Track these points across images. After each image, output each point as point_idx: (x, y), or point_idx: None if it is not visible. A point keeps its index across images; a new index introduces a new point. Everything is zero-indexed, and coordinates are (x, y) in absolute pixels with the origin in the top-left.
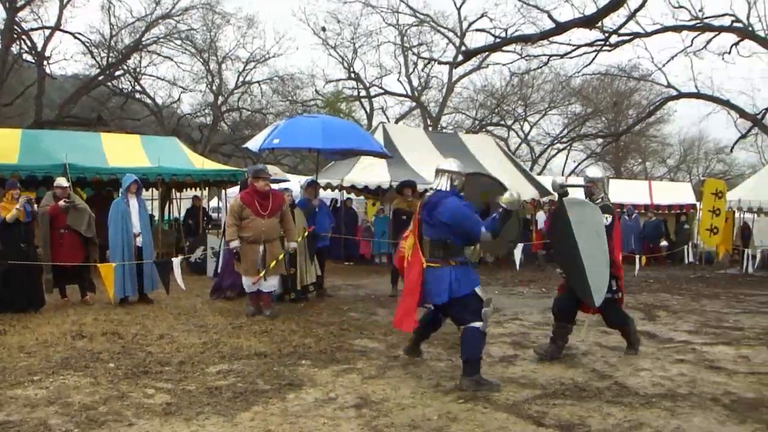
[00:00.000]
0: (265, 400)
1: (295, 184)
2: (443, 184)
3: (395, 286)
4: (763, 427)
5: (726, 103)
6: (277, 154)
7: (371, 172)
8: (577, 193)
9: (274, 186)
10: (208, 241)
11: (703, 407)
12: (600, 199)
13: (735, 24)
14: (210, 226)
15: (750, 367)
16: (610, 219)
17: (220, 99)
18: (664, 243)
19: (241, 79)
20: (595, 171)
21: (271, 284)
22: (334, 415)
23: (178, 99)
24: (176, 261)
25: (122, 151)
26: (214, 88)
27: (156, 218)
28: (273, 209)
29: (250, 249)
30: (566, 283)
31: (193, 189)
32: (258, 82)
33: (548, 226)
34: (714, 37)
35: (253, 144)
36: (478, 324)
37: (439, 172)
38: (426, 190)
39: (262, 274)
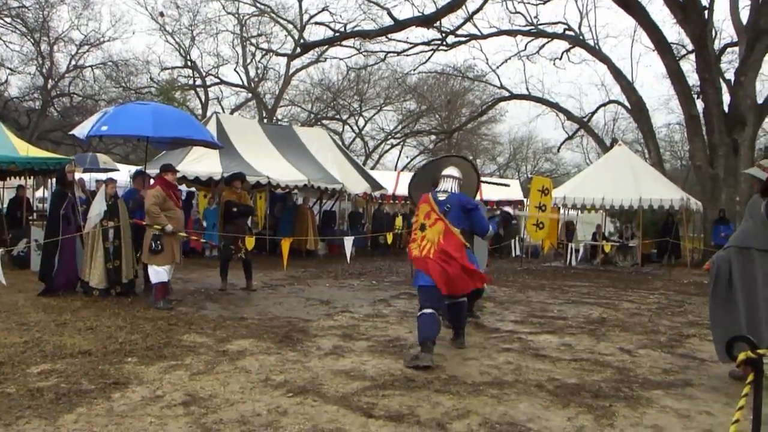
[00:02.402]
0: (89, 401)
1: (125, 174)
2: (453, 187)
3: (225, 279)
4: (584, 410)
5: (555, 106)
6: (107, 142)
7: (203, 162)
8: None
9: (101, 176)
10: (32, 233)
11: (529, 393)
12: None
13: (567, 32)
14: (35, 218)
15: (573, 354)
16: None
17: (51, 83)
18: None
19: (73, 62)
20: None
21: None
22: (161, 413)
23: (6, 81)
24: None
25: None
26: (44, 70)
27: None
28: (180, 201)
29: (175, 239)
30: None
31: (18, 178)
32: (91, 66)
33: None
34: (547, 42)
35: (80, 130)
36: (463, 298)
37: (447, 177)
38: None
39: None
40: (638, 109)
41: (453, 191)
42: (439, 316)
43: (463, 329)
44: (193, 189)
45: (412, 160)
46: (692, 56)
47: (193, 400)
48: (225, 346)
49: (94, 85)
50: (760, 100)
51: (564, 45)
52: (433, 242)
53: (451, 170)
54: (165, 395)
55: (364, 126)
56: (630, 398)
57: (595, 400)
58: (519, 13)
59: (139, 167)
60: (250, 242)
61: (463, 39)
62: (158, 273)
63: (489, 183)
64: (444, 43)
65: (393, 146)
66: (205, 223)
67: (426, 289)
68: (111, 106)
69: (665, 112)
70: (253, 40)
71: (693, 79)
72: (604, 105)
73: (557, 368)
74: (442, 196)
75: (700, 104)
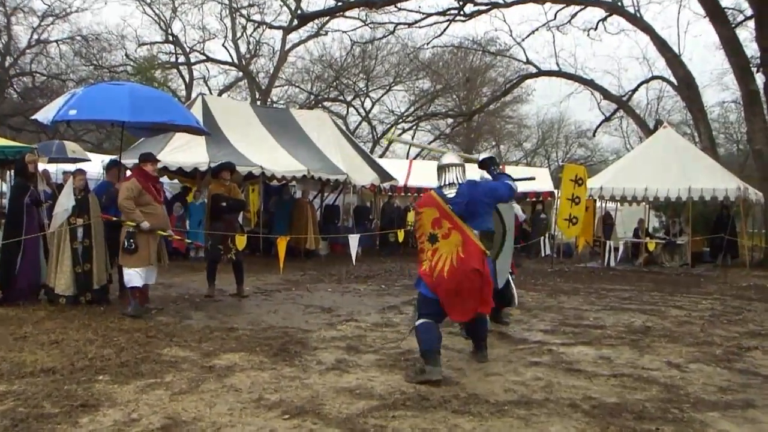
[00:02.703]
0: (52, 427)
1: (98, 164)
2: (459, 176)
3: (212, 284)
4: None
5: (589, 83)
6: (77, 128)
7: (187, 151)
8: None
9: (69, 167)
10: None
11: (561, 414)
12: None
13: None
14: None
15: (612, 368)
16: None
17: (9, 60)
18: None
19: (35, 36)
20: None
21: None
22: None
23: None
24: None
25: None
26: (0, 46)
27: None
28: (161, 195)
29: (153, 238)
30: None
31: None
32: (56, 41)
33: None
34: (580, 10)
35: (44, 115)
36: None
37: (449, 167)
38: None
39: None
40: (686, 86)
41: (460, 181)
42: (437, 324)
43: (485, 341)
44: (187, 185)
45: (430, 143)
46: (751, 23)
47: (174, 423)
48: (211, 361)
49: (60, 63)
50: None
51: (600, 13)
52: (450, 257)
53: (450, 157)
54: (141, 419)
55: (371, 108)
56: (680, 421)
57: (639, 422)
58: None
59: (113, 157)
60: (241, 241)
61: (484, 7)
62: (131, 276)
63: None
64: (461, 12)
65: (404, 131)
66: (189, 221)
67: (428, 301)
68: (80, 87)
69: (718, 88)
70: (244, 11)
71: (752, 49)
72: (646, 81)
73: (594, 385)
74: (450, 192)
75: (760, 78)
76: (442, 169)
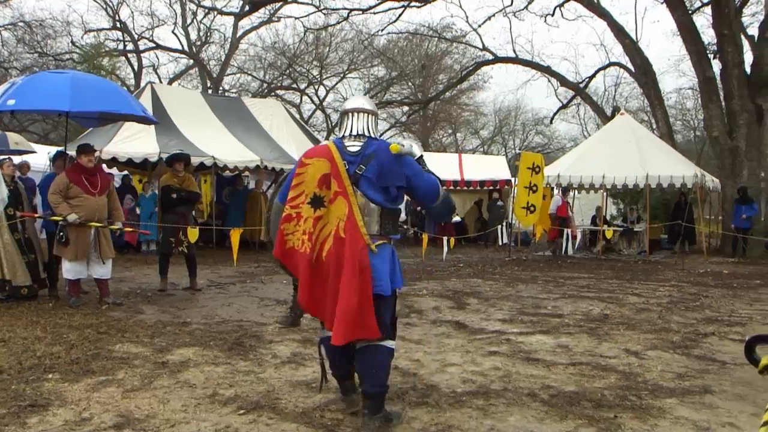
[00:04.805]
0: None
1: (44, 156)
2: (370, 126)
3: (165, 278)
4: (585, 422)
5: (546, 70)
6: (22, 119)
7: (136, 141)
8: None
9: (15, 158)
10: None
11: (520, 404)
12: None
13: None
14: None
15: (570, 357)
16: None
17: None
18: (457, 218)
19: None
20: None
21: (108, 269)
22: None
23: None
24: None
25: None
26: None
27: None
28: (103, 187)
29: (82, 231)
30: None
31: None
32: None
33: None
34: None
35: None
36: (391, 343)
37: (355, 112)
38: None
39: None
40: (643, 72)
41: (370, 133)
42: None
43: (383, 398)
44: (126, 172)
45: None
46: (708, 9)
47: (126, 421)
48: (164, 357)
49: (2, 50)
50: None
51: None
52: (331, 232)
53: (358, 101)
54: (93, 417)
55: (325, 96)
56: (638, 408)
57: (598, 410)
58: None
59: (60, 148)
60: (193, 234)
61: None
62: (66, 268)
63: None
64: None
65: None
66: (139, 212)
67: None
68: (23, 76)
69: (675, 75)
70: None
71: (708, 36)
72: (603, 68)
73: (552, 374)
74: (353, 145)
75: (717, 65)
76: (345, 114)
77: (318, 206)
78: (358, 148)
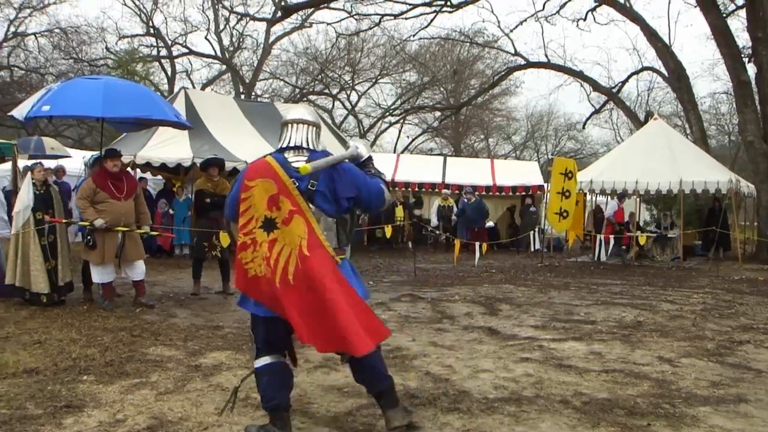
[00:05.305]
0: (36, 429)
1: (78, 161)
2: (311, 139)
3: (198, 282)
4: (617, 430)
5: (579, 75)
6: (57, 124)
7: (170, 146)
8: None
9: (50, 163)
10: None
11: (552, 411)
12: None
13: None
14: None
15: (603, 364)
16: None
17: None
18: (490, 224)
19: (12, 29)
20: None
21: (142, 270)
22: None
23: None
24: None
25: None
26: None
27: None
28: (129, 191)
29: (108, 235)
30: None
31: None
32: (34, 34)
33: None
34: (569, 0)
35: (20, 111)
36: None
37: (296, 123)
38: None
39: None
40: (677, 77)
41: (311, 145)
42: (288, 363)
43: (392, 388)
44: (159, 177)
45: (413, 140)
46: (742, 12)
47: (160, 424)
48: (197, 360)
49: (38, 57)
50: None
51: (589, 3)
52: (294, 253)
53: (300, 111)
54: (127, 419)
55: (357, 101)
56: (672, 416)
57: (630, 418)
58: None
59: (94, 153)
60: (226, 239)
61: None
62: (94, 272)
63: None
64: (448, 3)
65: (391, 125)
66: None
67: (267, 324)
68: (59, 82)
69: (709, 79)
70: (227, 3)
71: (743, 39)
72: (636, 73)
73: (585, 381)
74: (297, 160)
75: (751, 69)
76: (285, 125)
77: (271, 229)
78: (303, 162)
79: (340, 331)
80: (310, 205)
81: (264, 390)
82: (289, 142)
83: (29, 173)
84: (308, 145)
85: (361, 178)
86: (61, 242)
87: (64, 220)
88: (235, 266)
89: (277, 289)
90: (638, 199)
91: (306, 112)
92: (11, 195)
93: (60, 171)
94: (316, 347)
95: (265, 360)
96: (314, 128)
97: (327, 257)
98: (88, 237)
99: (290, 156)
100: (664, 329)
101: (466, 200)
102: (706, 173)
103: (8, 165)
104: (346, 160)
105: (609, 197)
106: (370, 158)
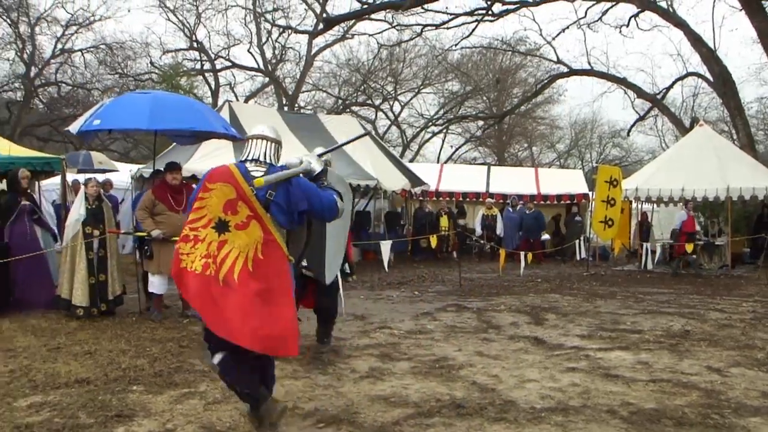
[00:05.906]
0: None
1: (125, 174)
2: (269, 153)
3: None
4: None
5: (623, 82)
6: (104, 138)
7: (215, 158)
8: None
9: (99, 176)
10: None
11: (599, 421)
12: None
13: None
14: None
15: (650, 373)
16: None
17: (34, 70)
18: (545, 236)
19: (59, 46)
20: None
21: None
22: None
23: None
24: None
25: None
26: (25, 56)
27: None
28: (187, 204)
29: (165, 246)
30: None
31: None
32: (81, 50)
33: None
34: (611, 7)
35: (75, 126)
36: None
37: (258, 139)
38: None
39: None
40: (722, 82)
41: (271, 161)
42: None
43: (263, 399)
44: None
45: (456, 149)
46: None
47: None
48: None
49: (85, 72)
50: None
51: (631, 9)
52: (246, 256)
53: (261, 129)
54: (176, 429)
55: (400, 112)
56: (721, 426)
57: (679, 428)
58: None
59: (141, 165)
60: None
61: (512, 6)
62: (151, 282)
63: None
64: (490, 12)
65: (434, 134)
66: None
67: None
68: (106, 96)
69: (756, 83)
70: (269, 16)
71: None
72: (681, 78)
73: (632, 391)
74: (257, 170)
75: None
76: (248, 140)
77: (223, 231)
78: (262, 174)
79: (281, 330)
80: (267, 213)
81: (230, 381)
82: (250, 155)
83: (83, 187)
84: (267, 159)
85: (313, 191)
86: (111, 257)
87: (122, 231)
88: (174, 254)
89: (218, 288)
90: (685, 207)
91: (267, 130)
92: (60, 209)
93: (107, 184)
94: (248, 346)
95: (218, 355)
96: (274, 144)
97: (283, 258)
98: (146, 247)
99: (251, 167)
100: (712, 338)
101: (526, 211)
102: (754, 179)
103: (57, 179)
104: (300, 175)
105: (678, 206)
106: (323, 171)
